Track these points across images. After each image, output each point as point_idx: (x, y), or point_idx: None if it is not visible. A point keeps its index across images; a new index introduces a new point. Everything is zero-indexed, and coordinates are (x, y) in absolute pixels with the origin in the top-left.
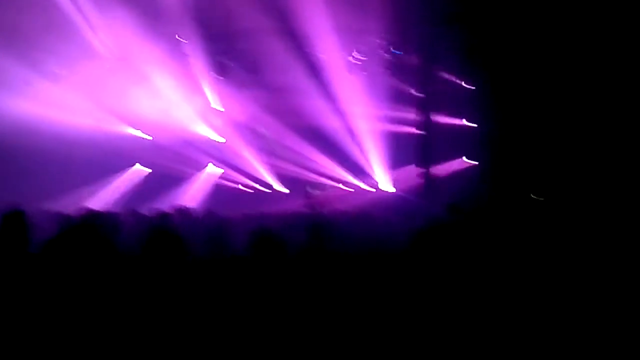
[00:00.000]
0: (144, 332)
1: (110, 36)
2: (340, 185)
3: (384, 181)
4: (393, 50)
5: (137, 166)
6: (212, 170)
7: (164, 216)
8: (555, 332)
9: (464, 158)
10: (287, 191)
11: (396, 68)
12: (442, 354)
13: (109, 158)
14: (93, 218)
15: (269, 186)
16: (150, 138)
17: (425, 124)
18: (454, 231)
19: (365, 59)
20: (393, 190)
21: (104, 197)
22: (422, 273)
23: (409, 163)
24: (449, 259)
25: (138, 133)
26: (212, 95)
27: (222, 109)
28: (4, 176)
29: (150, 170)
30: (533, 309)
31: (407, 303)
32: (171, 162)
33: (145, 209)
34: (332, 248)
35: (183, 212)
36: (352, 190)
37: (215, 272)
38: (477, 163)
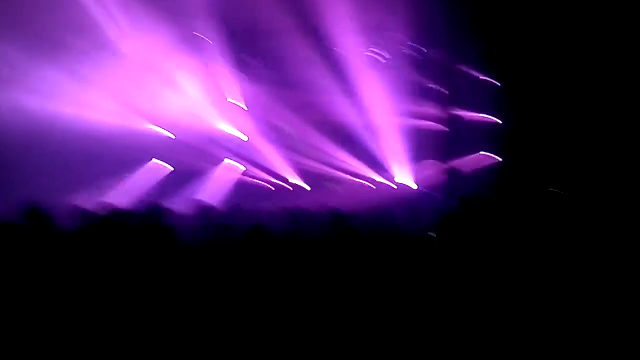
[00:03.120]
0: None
1: (132, 34)
2: (362, 181)
3: (405, 177)
4: (414, 46)
5: (154, 161)
6: (233, 167)
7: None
8: (562, 327)
9: (486, 153)
10: (309, 187)
11: (418, 64)
12: (453, 347)
13: (130, 155)
14: (116, 215)
15: (291, 182)
16: (173, 136)
17: (447, 120)
18: (464, 223)
19: (386, 55)
20: (414, 186)
21: (125, 193)
22: (435, 265)
23: (431, 158)
24: (459, 249)
25: (160, 130)
26: (234, 92)
27: (244, 106)
28: (27, 172)
29: (171, 168)
30: (541, 304)
31: (418, 295)
32: (193, 159)
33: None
34: (350, 243)
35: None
36: (373, 186)
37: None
38: (499, 158)
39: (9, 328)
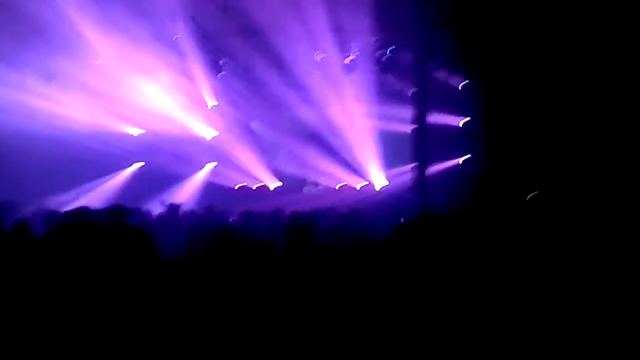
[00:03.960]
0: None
1: (106, 36)
2: (336, 184)
3: (379, 179)
4: (386, 49)
5: (135, 165)
6: (209, 169)
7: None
8: (551, 330)
9: (460, 158)
10: (279, 188)
11: (390, 66)
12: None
13: (106, 157)
14: (82, 215)
15: (264, 184)
16: (143, 134)
17: (420, 122)
18: (436, 226)
19: (358, 57)
20: (385, 187)
21: (101, 195)
22: (404, 268)
23: (404, 161)
24: (429, 254)
25: (134, 131)
26: (208, 93)
27: (218, 107)
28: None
29: (141, 167)
30: (523, 308)
31: (388, 299)
32: (167, 160)
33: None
34: (314, 245)
35: (175, 209)
36: (349, 187)
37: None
38: (471, 161)
39: None
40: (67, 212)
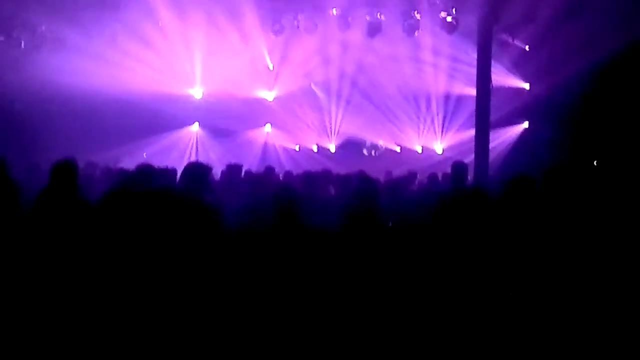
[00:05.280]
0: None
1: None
2: (396, 148)
3: (440, 144)
4: (452, 12)
5: (196, 126)
6: (268, 130)
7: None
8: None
9: (525, 124)
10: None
11: (456, 30)
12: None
13: (165, 117)
14: (151, 172)
15: (324, 146)
16: (200, 97)
17: (484, 87)
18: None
19: (425, 19)
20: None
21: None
22: (440, 246)
23: (468, 127)
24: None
25: (194, 93)
26: (269, 54)
27: (278, 67)
28: (48, 136)
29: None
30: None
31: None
32: (227, 121)
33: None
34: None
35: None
36: (410, 150)
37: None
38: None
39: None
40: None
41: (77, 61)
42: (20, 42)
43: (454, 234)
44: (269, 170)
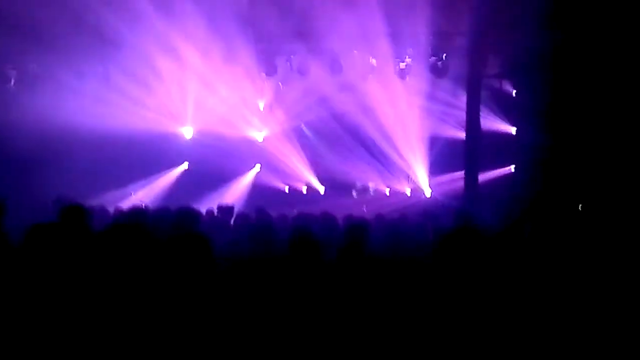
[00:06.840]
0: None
1: (161, 36)
2: (386, 189)
3: (428, 186)
4: (441, 55)
5: (185, 165)
6: (258, 170)
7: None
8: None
9: (512, 167)
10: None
11: (444, 74)
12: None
13: (156, 157)
14: (140, 214)
15: (314, 187)
16: (190, 137)
17: (472, 129)
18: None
19: (413, 63)
20: (431, 195)
21: (151, 194)
22: (444, 280)
23: (456, 169)
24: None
25: (185, 132)
26: (260, 95)
27: (270, 109)
28: (56, 174)
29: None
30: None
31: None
32: (216, 161)
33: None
34: (368, 252)
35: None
36: (399, 192)
37: (255, 272)
38: (522, 170)
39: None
40: (125, 211)
41: (68, 99)
42: (11, 80)
43: (453, 270)
44: (261, 211)
